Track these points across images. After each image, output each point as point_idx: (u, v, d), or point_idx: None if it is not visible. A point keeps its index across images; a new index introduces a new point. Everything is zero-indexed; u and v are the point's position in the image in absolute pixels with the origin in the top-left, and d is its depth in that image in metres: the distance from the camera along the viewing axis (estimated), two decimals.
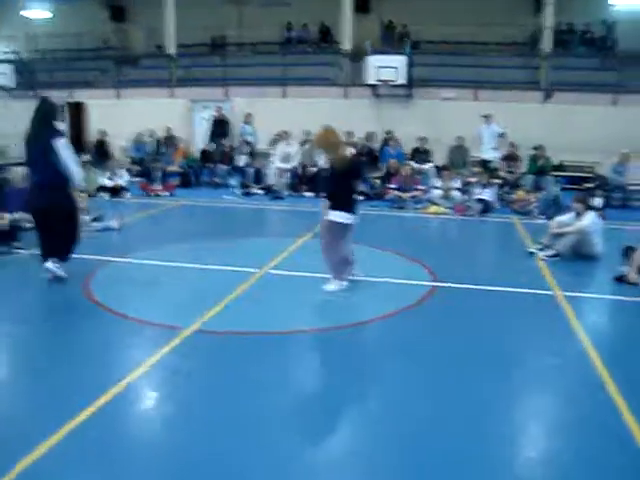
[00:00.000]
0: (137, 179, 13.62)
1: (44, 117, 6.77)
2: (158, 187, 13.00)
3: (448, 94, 18.05)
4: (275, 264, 7.48)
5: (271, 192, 13.12)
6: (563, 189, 12.10)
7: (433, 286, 6.78)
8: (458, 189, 12.06)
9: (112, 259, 7.64)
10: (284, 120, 16.03)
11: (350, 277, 6.55)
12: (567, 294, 6.57)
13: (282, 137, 14.05)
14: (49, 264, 6.53)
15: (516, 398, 4.30)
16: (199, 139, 17.18)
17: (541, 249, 8.33)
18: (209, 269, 7.27)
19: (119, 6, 24.02)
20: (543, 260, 8.05)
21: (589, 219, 8.35)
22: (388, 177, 12.93)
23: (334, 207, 6.26)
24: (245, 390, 4.18)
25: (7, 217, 8.21)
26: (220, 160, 14.50)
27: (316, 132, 6.52)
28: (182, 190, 13.63)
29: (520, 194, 11.87)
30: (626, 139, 14.38)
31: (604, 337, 5.54)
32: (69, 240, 6.70)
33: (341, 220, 6.24)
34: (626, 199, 12.70)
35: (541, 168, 12.50)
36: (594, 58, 19.26)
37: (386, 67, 17.40)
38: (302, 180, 13.25)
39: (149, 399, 4.18)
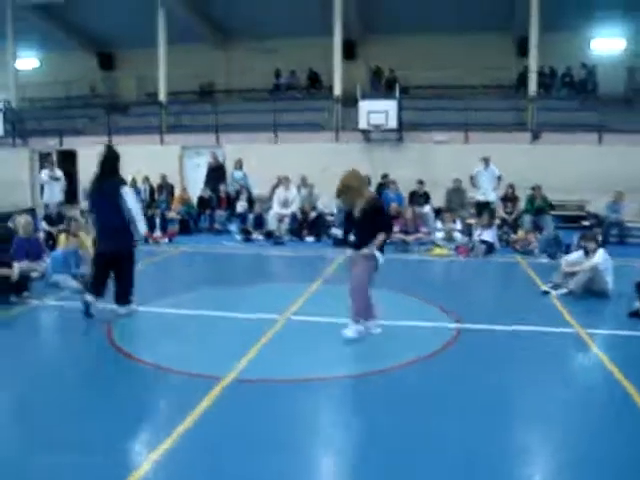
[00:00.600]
0: None
1: (112, 165, 7.04)
2: (158, 234, 12.92)
3: (440, 137, 18.38)
4: (295, 310, 7.42)
5: (272, 237, 13.10)
6: (557, 227, 12.28)
7: (457, 329, 6.75)
8: (459, 231, 12.17)
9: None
10: (276, 166, 16.13)
11: (370, 331, 6.46)
12: (589, 331, 6.64)
13: (282, 182, 14.08)
14: (89, 297, 6.97)
15: (559, 448, 4.15)
16: (192, 185, 17.20)
17: (554, 287, 8.40)
18: (232, 317, 7.17)
19: (107, 54, 24.26)
20: (557, 298, 8.10)
21: (600, 256, 8.47)
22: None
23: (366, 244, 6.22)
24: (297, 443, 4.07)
25: (17, 267, 8.06)
26: (218, 206, 14.48)
27: (341, 178, 6.50)
28: (181, 237, 13.56)
29: (521, 234, 12.01)
30: (611, 177, 14.74)
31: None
32: (130, 282, 7.14)
33: (377, 256, 6.22)
34: (623, 236, 12.91)
35: (539, 208, 12.67)
36: (575, 100, 19.82)
37: (377, 112, 17.69)
38: (302, 225, 13.25)
39: (205, 455, 4.00)
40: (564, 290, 8.34)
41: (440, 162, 17.53)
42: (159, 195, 15.26)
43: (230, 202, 14.59)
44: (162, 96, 20.40)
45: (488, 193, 14.00)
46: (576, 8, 18.68)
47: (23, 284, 8.08)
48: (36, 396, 4.87)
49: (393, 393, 5.01)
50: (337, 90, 19.43)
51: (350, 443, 4.22)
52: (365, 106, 17.84)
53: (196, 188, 16.17)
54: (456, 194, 14.20)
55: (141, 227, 7.07)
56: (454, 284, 10.05)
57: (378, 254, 6.25)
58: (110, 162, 7.11)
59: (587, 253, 8.63)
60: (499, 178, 14.09)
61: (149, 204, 14.53)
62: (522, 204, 13.72)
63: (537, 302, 8.09)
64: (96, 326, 6.63)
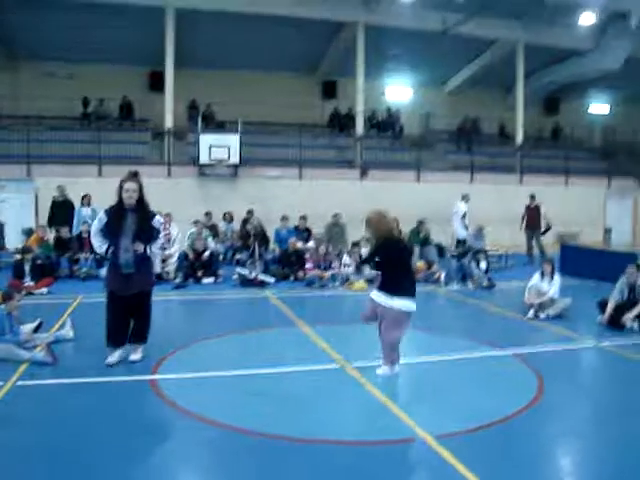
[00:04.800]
0: None
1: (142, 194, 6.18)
2: (29, 283, 10.48)
3: (273, 172, 18.30)
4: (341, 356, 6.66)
5: (162, 281, 11.52)
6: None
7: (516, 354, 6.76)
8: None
9: (139, 378, 5.95)
10: (103, 201, 14.26)
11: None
12: (604, 344, 7.34)
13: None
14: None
15: None
16: None
17: (536, 314, 8.95)
18: (274, 373, 6.19)
19: None
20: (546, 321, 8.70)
21: (559, 280, 9.28)
22: (286, 258, 12.48)
23: (396, 293, 5.89)
24: None
25: None
26: (80, 248, 12.31)
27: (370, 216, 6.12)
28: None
29: (420, 265, 12.45)
30: (428, 208, 16.29)
31: None
32: (148, 323, 6.56)
33: (407, 309, 5.92)
34: (486, 261, 14.20)
35: (424, 239, 13.33)
36: (389, 140, 21.52)
37: (219, 146, 16.98)
38: (193, 265, 11.93)
39: None
40: (543, 314, 8.94)
41: (275, 197, 17.45)
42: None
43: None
44: None
45: (459, 231, 15.17)
46: (373, 58, 20.24)
47: None
48: None
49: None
50: (169, 123, 18.09)
51: None
52: (207, 140, 16.98)
53: None
54: (335, 228, 14.20)
55: (157, 262, 6.81)
56: (435, 316, 9.61)
57: (412, 305, 5.92)
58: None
59: (543, 276, 9.37)
60: (463, 216, 15.34)
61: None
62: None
63: (533, 327, 8.54)
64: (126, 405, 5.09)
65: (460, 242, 14.88)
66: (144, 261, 6.24)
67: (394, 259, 5.97)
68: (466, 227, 15.29)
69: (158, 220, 6.37)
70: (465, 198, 15.92)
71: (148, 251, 6.22)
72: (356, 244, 12.67)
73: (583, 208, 20.03)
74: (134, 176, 6.12)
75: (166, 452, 4.43)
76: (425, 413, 5.04)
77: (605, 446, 4.54)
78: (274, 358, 6.63)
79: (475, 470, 3.98)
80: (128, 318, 6.33)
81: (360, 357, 6.57)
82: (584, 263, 12.84)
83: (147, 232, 6.17)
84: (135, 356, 6.44)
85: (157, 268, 6.61)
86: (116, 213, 6.13)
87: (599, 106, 26.47)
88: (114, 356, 6.24)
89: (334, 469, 4.13)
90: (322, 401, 5.45)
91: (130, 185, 6.07)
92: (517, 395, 5.57)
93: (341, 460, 4.29)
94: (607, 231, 21.06)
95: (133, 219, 6.10)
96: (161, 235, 6.44)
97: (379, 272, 6.24)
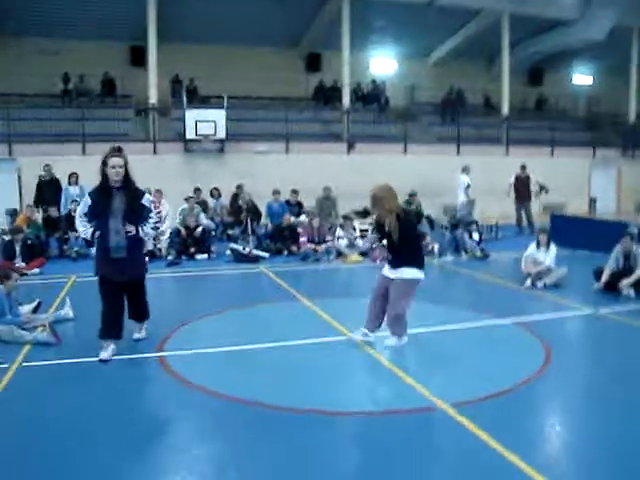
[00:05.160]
0: None
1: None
2: (21, 264, 10.30)
3: (261, 147, 18.15)
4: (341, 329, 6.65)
5: (155, 258, 11.41)
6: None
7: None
8: (361, 237, 12.19)
9: (148, 355, 5.91)
10: (88, 180, 14.02)
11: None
12: (602, 312, 7.46)
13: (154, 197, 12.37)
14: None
15: None
16: None
17: (533, 283, 9.00)
18: (282, 346, 6.14)
19: None
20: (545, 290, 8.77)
21: (555, 250, 9.35)
22: (279, 232, 12.41)
23: (406, 263, 5.94)
24: None
25: None
26: (69, 227, 12.10)
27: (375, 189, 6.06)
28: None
29: None
30: (417, 181, 16.21)
31: None
32: (145, 304, 6.35)
33: (416, 277, 6.00)
34: (479, 232, 14.28)
35: (416, 212, 13.31)
36: (375, 113, 21.37)
37: (205, 121, 16.76)
38: (186, 242, 11.82)
39: None
40: (540, 283, 8.98)
41: (263, 172, 17.31)
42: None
43: None
44: None
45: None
46: (359, 31, 20.00)
47: None
48: None
49: None
50: (153, 98, 17.78)
51: None
52: (193, 115, 16.73)
53: None
54: (326, 202, 14.13)
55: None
56: (438, 289, 9.42)
57: (420, 274, 6.00)
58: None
59: (539, 245, 9.42)
60: (467, 187, 15.27)
61: None
62: None
63: (534, 294, 8.63)
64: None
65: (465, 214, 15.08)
66: (136, 243, 5.81)
67: (408, 235, 5.96)
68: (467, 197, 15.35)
69: (148, 198, 5.93)
70: (466, 170, 15.76)
71: (140, 232, 5.75)
72: (348, 218, 12.63)
73: (569, 178, 20.13)
74: (118, 151, 5.70)
75: (170, 423, 4.42)
76: (439, 382, 5.06)
77: (616, 408, 4.60)
78: (280, 332, 6.61)
79: (498, 437, 3.99)
80: (123, 305, 5.97)
81: None
82: (574, 233, 12.91)
83: (138, 212, 5.71)
84: (139, 334, 6.33)
85: (149, 245, 6.15)
86: (102, 193, 5.63)
87: (583, 77, 26.49)
88: (108, 350, 5.72)
89: (350, 439, 4.15)
90: (333, 373, 5.45)
91: (116, 160, 5.57)
92: (526, 362, 5.61)
93: (356, 429, 4.31)
94: (592, 201, 21.26)
95: (121, 198, 5.61)
96: (152, 214, 5.89)
97: (386, 247, 6.22)
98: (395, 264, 6.00)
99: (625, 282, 8.34)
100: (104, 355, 5.67)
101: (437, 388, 4.86)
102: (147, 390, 5.19)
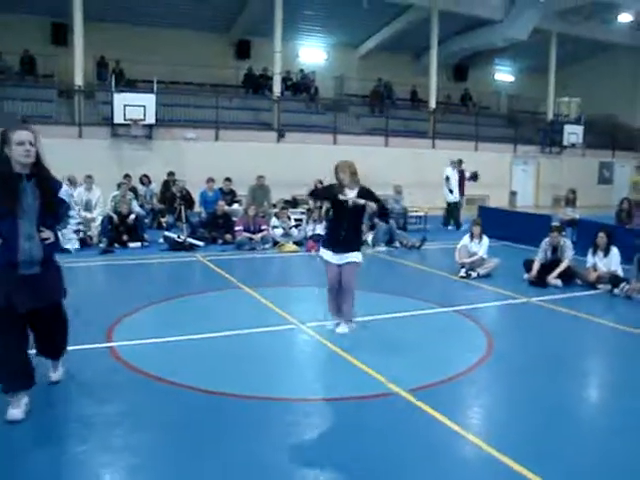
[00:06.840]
0: None
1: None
2: None
3: (190, 134, 17.85)
4: (298, 319, 6.70)
5: (86, 246, 11.01)
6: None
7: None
8: (295, 226, 12.23)
9: (93, 346, 5.66)
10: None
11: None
12: (534, 300, 7.91)
13: (84, 182, 11.96)
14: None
15: None
16: None
17: (467, 273, 9.32)
18: (231, 335, 6.11)
19: None
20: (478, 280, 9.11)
21: (487, 241, 9.72)
22: (214, 220, 12.24)
23: (352, 249, 6.06)
24: None
25: None
26: None
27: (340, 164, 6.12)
28: None
29: None
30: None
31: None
32: (65, 335, 4.64)
33: (360, 260, 6.15)
34: (405, 223, 14.64)
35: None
36: (301, 103, 21.43)
37: (134, 105, 16.28)
38: (118, 229, 11.46)
39: None
40: (474, 273, 9.32)
41: (192, 159, 17.07)
42: None
43: None
44: None
45: (457, 194, 15.31)
46: (289, 19, 19.98)
47: None
48: None
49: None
50: (78, 80, 17.06)
51: None
52: (121, 99, 16.21)
53: None
54: (260, 190, 14.07)
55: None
56: (376, 278, 9.47)
57: (361, 258, 6.15)
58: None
59: (472, 237, 9.76)
60: (447, 179, 15.55)
61: None
62: None
63: (467, 285, 8.92)
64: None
65: (450, 205, 15.69)
66: (53, 254, 4.26)
67: (362, 213, 6.11)
68: (450, 190, 15.58)
69: (66, 190, 4.35)
70: (453, 164, 15.93)
71: (60, 237, 4.33)
72: (284, 207, 12.67)
73: (491, 172, 20.88)
74: (24, 123, 4.53)
75: (121, 412, 4.28)
76: (393, 368, 5.16)
77: (552, 384, 5.00)
78: (227, 320, 6.58)
79: (456, 419, 4.16)
80: (27, 341, 4.27)
81: (313, 318, 6.63)
82: (500, 225, 13.39)
83: (55, 209, 4.18)
84: (56, 374, 4.73)
85: (65, 244, 4.46)
86: (5, 183, 3.95)
87: (505, 75, 27.52)
88: (20, 406, 4.06)
89: (312, 425, 4.18)
90: (285, 360, 5.49)
91: (25, 135, 3.95)
92: (471, 347, 5.85)
93: (321, 416, 4.35)
94: (512, 194, 22.18)
95: (33, 191, 4.01)
96: (74, 212, 4.49)
97: (330, 228, 6.28)
98: (342, 249, 6.00)
99: (551, 276, 8.81)
100: (16, 413, 4.01)
101: (393, 374, 4.97)
102: (97, 379, 5.00)
